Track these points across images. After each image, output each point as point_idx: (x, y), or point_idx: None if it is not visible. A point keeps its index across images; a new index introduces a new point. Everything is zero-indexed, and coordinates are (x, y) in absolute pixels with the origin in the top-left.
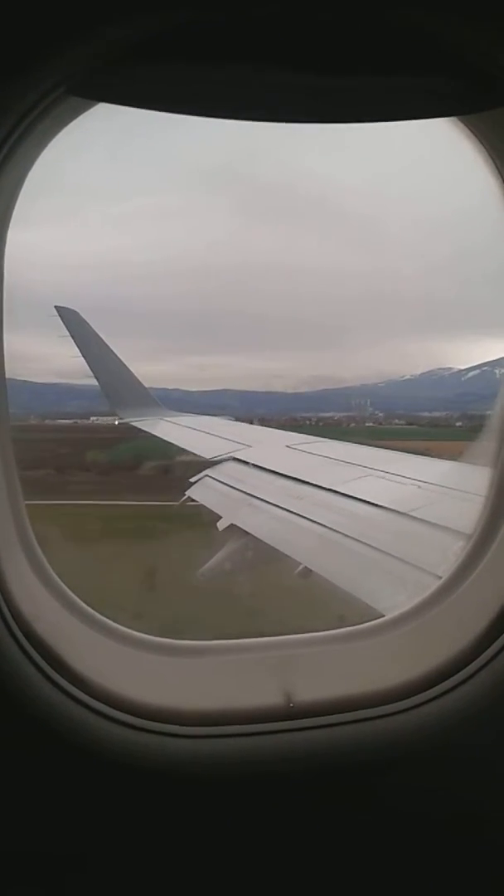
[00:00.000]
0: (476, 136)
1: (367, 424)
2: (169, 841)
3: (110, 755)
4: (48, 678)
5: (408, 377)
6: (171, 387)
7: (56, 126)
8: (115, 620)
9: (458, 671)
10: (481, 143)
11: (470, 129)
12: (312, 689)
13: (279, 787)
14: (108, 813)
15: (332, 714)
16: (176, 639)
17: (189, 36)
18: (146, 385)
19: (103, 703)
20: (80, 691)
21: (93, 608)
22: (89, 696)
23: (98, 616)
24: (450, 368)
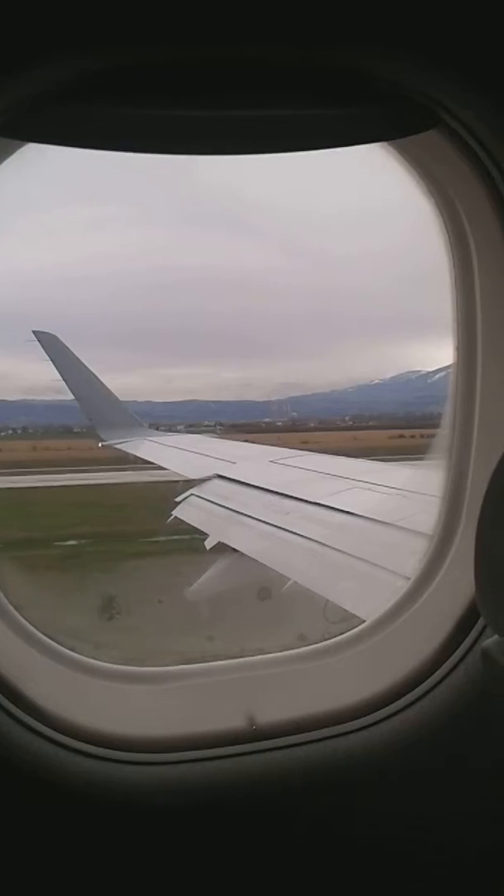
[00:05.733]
0: (406, 159)
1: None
2: (137, 871)
3: (72, 787)
4: (5, 711)
5: (377, 381)
6: (140, 399)
7: None
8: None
9: (419, 685)
10: (411, 165)
11: (400, 153)
12: (275, 710)
13: (245, 811)
14: (72, 845)
15: (295, 734)
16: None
17: (118, 74)
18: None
19: (63, 734)
20: (38, 723)
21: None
22: (48, 728)
23: (55, 645)
24: (418, 371)
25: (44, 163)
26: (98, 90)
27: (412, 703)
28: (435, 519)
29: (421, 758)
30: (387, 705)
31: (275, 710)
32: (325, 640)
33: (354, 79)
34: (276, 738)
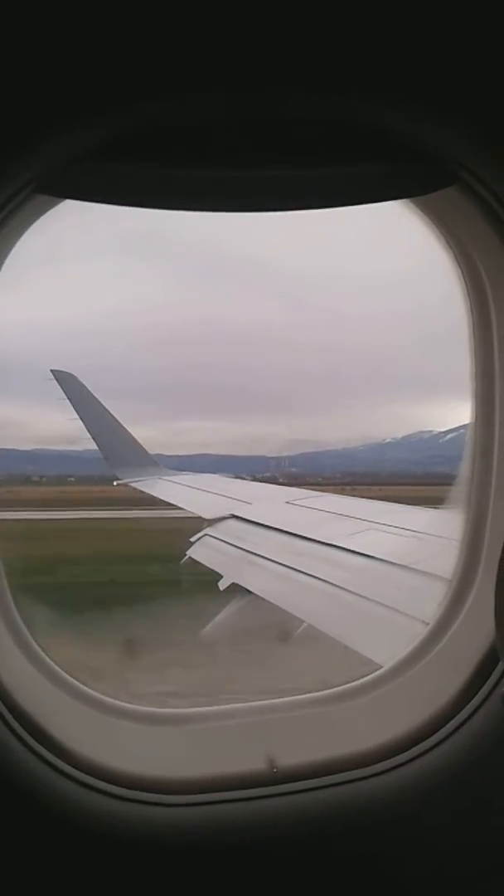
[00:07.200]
0: (426, 216)
1: None
2: None
3: (95, 826)
4: (30, 749)
5: (389, 440)
6: (151, 452)
7: (24, 224)
8: None
9: (439, 729)
10: (431, 222)
11: (421, 209)
12: (295, 753)
13: (265, 854)
14: (94, 885)
15: (316, 777)
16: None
17: (156, 134)
18: None
19: (86, 773)
20: (62, 762)
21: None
22: (72, 767)
23: (80, 686)
24: (430, 431)
25: (73, 219)
26: (130, 150)
27: (433, 748)
28: (454, 565)
29: (443, 802)
30: (407, 749)
31: (296, 752)
32: (346, 683)
33: (372, 135)
34: (297, 780)
